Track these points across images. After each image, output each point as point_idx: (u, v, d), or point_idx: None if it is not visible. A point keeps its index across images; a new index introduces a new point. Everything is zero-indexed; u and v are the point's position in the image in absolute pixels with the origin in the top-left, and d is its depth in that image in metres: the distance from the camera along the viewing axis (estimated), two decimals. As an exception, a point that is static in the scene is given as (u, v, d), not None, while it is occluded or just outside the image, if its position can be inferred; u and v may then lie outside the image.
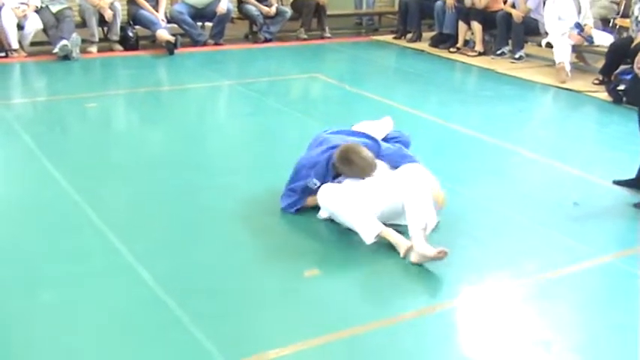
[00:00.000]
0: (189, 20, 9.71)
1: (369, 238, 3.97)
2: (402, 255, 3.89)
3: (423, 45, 10.37)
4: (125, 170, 5.19)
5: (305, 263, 3.84)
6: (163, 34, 9.18)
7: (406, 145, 4.72)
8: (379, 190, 4.23)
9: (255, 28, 10.51)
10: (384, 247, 4.01)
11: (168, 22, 9.58)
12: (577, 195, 4.84)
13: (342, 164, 4.27)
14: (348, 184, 4.26)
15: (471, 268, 3.95)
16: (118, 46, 9.36)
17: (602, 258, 4.11)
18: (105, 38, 9.40)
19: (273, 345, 3.11)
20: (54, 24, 8.65)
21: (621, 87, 7.22)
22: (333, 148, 4.36)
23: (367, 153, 4.29)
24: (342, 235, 4.13)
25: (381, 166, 4.37)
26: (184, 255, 3.92)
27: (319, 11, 10.82)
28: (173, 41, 9.13)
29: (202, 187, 4.86)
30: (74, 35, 8.62)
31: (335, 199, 4.14)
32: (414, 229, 3.93)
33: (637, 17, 7.82)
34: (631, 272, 3.97)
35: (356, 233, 4.04)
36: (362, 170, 4.26)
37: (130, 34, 9.41)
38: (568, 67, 8.35)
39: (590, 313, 3.62)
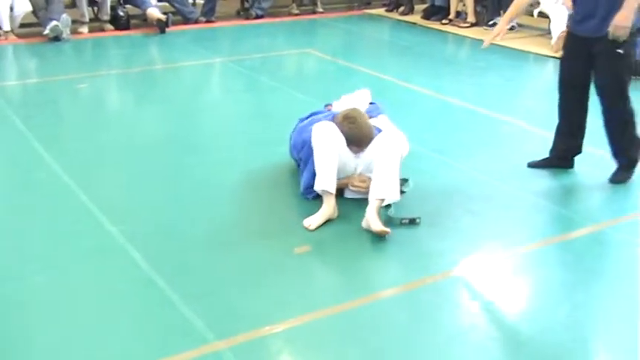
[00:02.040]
0: (180, -3, 9.64)
1: (317, 187, 4.05)
2: (307, 222, 3.95)
3: (416, 17, 10.30)
4: (117, 151, 5.18)
5: (296, 240, 3.84)
6: (154, 12, 9.10)
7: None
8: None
9: (246, 5, 10.43)
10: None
11: (159, 0, 9.50)
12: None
13: (346, 121, 4.18)
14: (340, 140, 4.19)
15: (464, 239, 3.96)
16: (109, 26, 9.27)
17: (594, 226, 4.12)
18: (95, 18, 9.30)
19: (264, 322, 3.12)
20: (43, 5, 8.56)
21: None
22: (333, 115, 4.36)
23: (371, 124, 4.26)
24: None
25: None
26: (175, 234, 3.92)
27: (311, -14, 10.75)
28: (164, 19, 9.05)
29: (194, 166, 4.85)
30: (64, 16, 8.54)
31: (322, 137, 4.10)
32: (372, 198, 3.96)
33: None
34: (623, 240, 3.98)
35: (343, 206, 4.07)
36: (362, 135, 4.18)
37: (121, 13, 9.31)
38: (555, 36, 8.28)
39: (582, 281, 3.62)
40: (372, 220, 3.88)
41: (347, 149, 4.20)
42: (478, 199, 4.40)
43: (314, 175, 4.14)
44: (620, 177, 4.63)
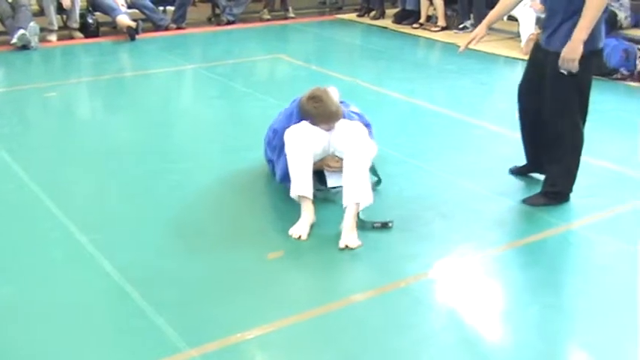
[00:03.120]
0: (150, 5, 9.59)
1: (292, 193, 4.02)
2: (296, 233, 3.91)
3: (387, 22, 10.33)
4: (87, 159, 5.13)
5: (269, 245, 3.83)
6: (124, 19, 9.05)
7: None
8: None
9: (217, 11, 10.41)
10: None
11: (129, 7, 9.45)
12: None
13: (312, 100, 4.13)
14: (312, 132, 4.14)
15: (436, 242, 3.97)
16: (78, 34, 9.21)
17: (564, 226, 4.15)
18: (64, 26, 9.23)
19: (237, 329, 3.10)
20: (10, 14, 8.47)
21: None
22: (294, 102, 4.36)
23: (336, 100, 4.22)
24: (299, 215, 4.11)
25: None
26: (147, 242, 3.88)
27: (282, -9, 10.75)
28: (134, 27, 9.01)
29: (167, 173, 4.82)
30: (32, 24, 8.47)
31: (295, 142, 4.07)
32: (348, 203, 3.95)
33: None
34: (592, 239, 4.00)
35: (317, 211, 4.05)
36: (328, 112, 4.12)
37: (90, 20, 9.25)
38: (524, 38, 8.34)
39: (553, 281, 3.64)
40: (348, 230, 3.87)
41: (320, 136, 4.14)
42: (450, 202, 4.41)
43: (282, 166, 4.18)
44: (535, 201, 4.37)
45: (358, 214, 4.00)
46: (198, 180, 4.70)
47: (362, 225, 4.00)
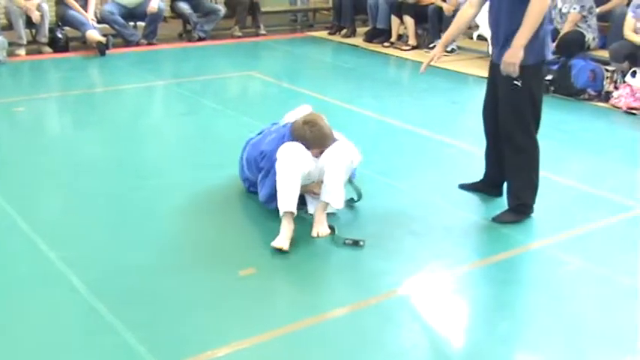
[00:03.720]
0: (121, 20, 9.55)
1: (281, 208, 4.03)
2: (278, 244, 3.92)
3: (358, 40, 10.40)
4: (56, 175, 5.10)
5: (241, 262, 3.82)
6: (94, 34, 9.01)
7: None
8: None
9: (188, 27, 10.40)
10: (318, 240, 4.05)
11: (99, 22, 9.41)
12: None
13: (307, 125, 4.20)
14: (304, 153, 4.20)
15: (407, 259, 3.99)
16: (47, 49, 9.15)
17: (531, 245, 4.19)
18: (33, 40, 9.19)
19: (207, 347, 3.08)
20: (-22, 28, 8.43)
21: (548, 77, 7.32)
22: (285, 125, 4.40)
23: (329, 125, 4.29)
24: (276, 232, 4.08)
25: None
26: (117, 259, 3.85)
27: (253, 8, 10.77)
28: (104, 42, 8.98)
29: (137, 189, 4.79)
30: (0, 38, 8.41)
31: (288, 159, 4.10)
32: (320, 200, 4.20)
33: (560, 9, 7.97)
34: (558, 257, 4.05)
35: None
36: (323, 136, 4.21)
37: (60, 35, 9.21)
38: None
39: (520, 300, 3.68)
40: (318, 221, 4.15)
41: (310, 161, 4.19)
42: (420, 220, 4.44)
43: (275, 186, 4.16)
44: (504, 218, 4.42)
45: (333, 229, 4.08)
46: (169, 197, 4.68)
47: (334, 240, 4.04)
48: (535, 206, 4.50)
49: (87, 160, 5.45)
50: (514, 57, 4.10)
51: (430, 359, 3.13)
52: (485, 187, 4.79)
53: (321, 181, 4.25)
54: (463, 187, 4.88)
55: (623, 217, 4.59)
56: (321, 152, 4.24)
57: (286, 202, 4.03)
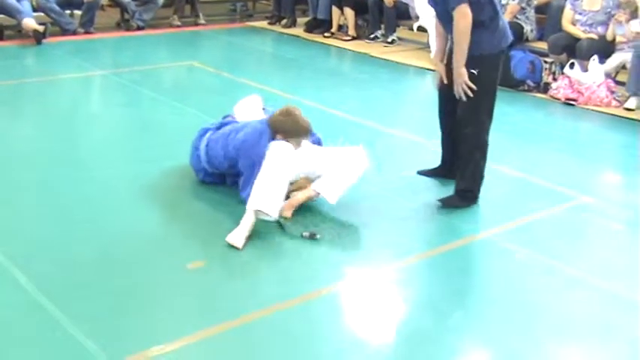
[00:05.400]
0: (57, 8, 9.31)
1: (252, 206, 3.98)
2: (235, 241, 3.89)
3: (298, 30, 10.36)
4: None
5: (188, 255, 3.78)
6: (30, 22, 8.78)
7: None
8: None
9: (127, 16, 10.23)
10: (269, 233, 4.04)
11: (35, 10, 9.17)
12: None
13: (281, 115, 4.27)
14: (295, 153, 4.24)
15: (356, 251, 4.02)
16: (-19, 37, 8.92)
17: (477, 235, 4.25)
18: (-34, 29, 8.93)
19: (157, 341, 3.05)
20: None
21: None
22: (260, 120, 4.41)
23: (305, 117, 4.36)
24: (225, 224, 4.08)
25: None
26: (61, 253, 3.78)
27: (191, -3, 10.65)
28: (41, 30, 8.75)
29: (79, 182, 4.69)
30: None
31: (278, 160, 4.10)
32: (311, 188, 4.32)
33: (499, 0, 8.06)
34: (506, 247, 4.11)
35: (239, 219, 4.02)
36: (302, 127, 4.29)
37: (-6, 23, 8.98)
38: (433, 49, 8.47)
39: (468, 290, 3.72)
40: (291, 201, 4.21)
41: (297, 163, 4.26)
42: (368, 211, 4.45)
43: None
44: (449, 201, 4.54)
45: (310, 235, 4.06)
46: (112, 189, 4.61)
47: (289, 231, 4.06)
48: (480, 196, 4.58)
49: (23, 152, 5.32)
50: (460, 76, 4.30)
51: (378, 350, 3.15)
52: (443, 172, 4.89)
53: (307, 177, 4.37)
54: (422, 173, 4.97)
55: (566, 206, 4.69)
56: (300, 143, 4.28)
57: (266, 203, 3.98)
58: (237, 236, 3.89)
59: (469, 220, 4.39)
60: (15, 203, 4.42)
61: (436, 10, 4.50)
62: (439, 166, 4.94)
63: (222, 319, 3.27)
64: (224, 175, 4.59)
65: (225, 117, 4.73)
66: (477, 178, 4.56)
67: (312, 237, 4.01)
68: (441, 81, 4.64)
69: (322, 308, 3.43)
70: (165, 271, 3.65)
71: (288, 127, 4.26)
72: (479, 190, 4.58)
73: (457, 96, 4.36)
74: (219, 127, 4.59)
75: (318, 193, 4.30)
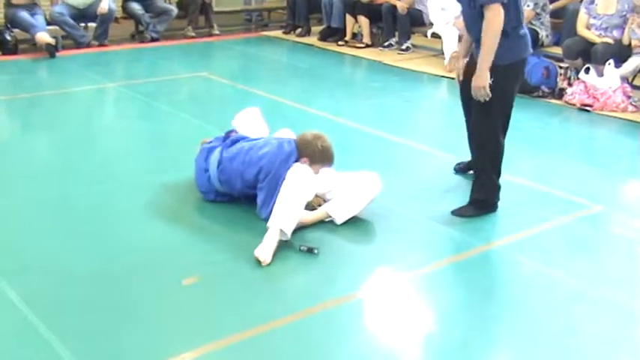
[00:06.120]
0: (71, 21, 9.35)
1: (276, 225, 3.92)
2: (264, 258, 3.83)
3: (313, 39, 10.33)
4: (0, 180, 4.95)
5: (183, 271, 3.72)
6: (43, 36, 8.82)
7: None
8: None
9: (141, 28, 10.25)
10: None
11: (49, 23, 9.21)
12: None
13: (318, 139, 4.28)
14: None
15: (360, 263, 3.92)
16: (-5, 51, 8.96)
17: (484, 246, 4.15)
18: (-19, 43, 8.97)
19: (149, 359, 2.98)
20: None
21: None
22: (288, 140, 4.38)
23: (331, 148, 4.36)
24: (222, 239, 4.05)
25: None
26: (55, 269, 3.73)
27: (205, 8, 10.63)
28: (54, 44, 8.79)
29: (81, 196, 4.66)
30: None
31: (301, 182, 4.06)
32: (326, 207, 4.32)
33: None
34: (511, 259, 4.02)
35: (238, 234, 3.99)
36: (328, 156, 4.31)
37: (8, 37, 8.99)
38: (447, 56, 8.38)
39: (474, 303, 3.62)
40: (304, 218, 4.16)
41: (315, 186, 4.22)
42: (373, 222, 4.37)
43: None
44: (461, 211, 4.50)
45: (308, 249, 3.98)
46: (115, 203, 4.57)
47: (289, 246, 3.98)
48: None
49: (34, 165, 5.32)
50: (481, 81, 4.18)
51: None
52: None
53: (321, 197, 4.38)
54: (458, 168, 5.12)
55: (577, 215, 4.58)
56: (319, 171, 4.28)
57: (287, 223, 3.95)
58: (265, 251, 3.82)
59: (475, 231, 4.30)
60: (15, 216, 4.39)
61: (462, 11, 4.45)
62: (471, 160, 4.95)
63: (216, 336, 3.19)
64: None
65: (228, 132, 4.66)
66: (490, 187, 4.50)
67: (309, 251, 3.94)
68: (462, 78, 4.62)
69: (322, 324, 3.35)
70: (159, 286, 3.59)
71: (316, 153, 4.25)
72: (496, 199, 4.53)
73: (475, 97, 4.26)
74: (230, 145, 4.50)
75: (329, 215, 4.28)
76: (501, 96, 4.28)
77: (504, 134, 4.49)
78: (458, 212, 4.48)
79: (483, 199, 4.50)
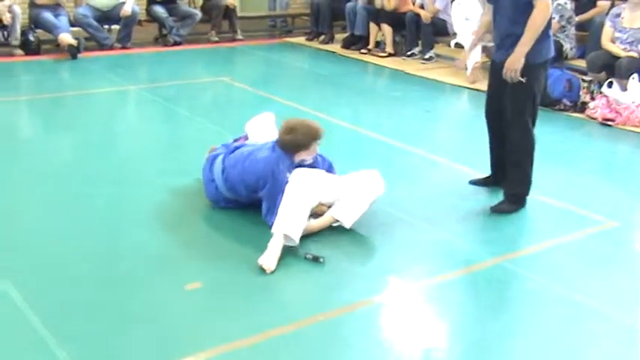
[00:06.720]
0: (94, 23, 9.42)
1: (279, 230, 3.88)
2: (268, 266, 3.78)
3: (336, 47, 10.31)
4: (15, 181, 4.96)
5: (187, 276, 3.68)
6: (66, 37, 8.88)
7: None
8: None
9: (164, 31, 10.28)
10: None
11: (72, 25, 9.27)
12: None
13: (290, 132, 4.21)
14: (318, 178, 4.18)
15: (368, 274, 3.87)
16: (19, 51, 9.02)
17: (492, 260, 4.06)
18: (5, 43, 9.04)
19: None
20: (-52, 29, 8.28)
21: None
22: (272, 145, 4.31)
23: (306, 122, 4.30)
24: (227, 246, 4.03)
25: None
26: (59, 270, 3.72)
27: (229, 13, 10.65)
28: (76, 45, 8.84)
29: (94, 197, 4.65)
30: (-29, 40, 8.28)
31: (303, 187, 4.03)
32: (332, 212, 4.23)
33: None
34: (519, 274, 3.93)
35: (243, 241, 3.96)
36: (313, 131, 4.24)
37: (32, 38, 9.08)
38: (470, 67, 8.30)
39: (478, 319, 3.54)
40: (312, 226, 4.11)
41: (319, 190, 4.14)
42: (383, 232, 4.31)
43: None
44: (501, 207, 4.63)
45: (314, 258, 3.92)
46: (125, 206, 4.56)
47: (295, 253, 3.93)
48: (503, 220, 4.54)
49: (52, 164, 5.34)
50: (516, 63, 4.36)
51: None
52: (493, 181, 4.97)
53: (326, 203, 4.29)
54: (473, 182, 5.07)
55: (591, 231, 4.48)
56: (313, 149, 4.27)
57: (291, 227, 3.90)
58: (269, 259, 3.78)
59: (486, 244, 4.22)
60: (23, 217, 4.40)
61: (496, 6, 4.53)
62: (489, 175, 5.01)
63: (218, 342, 3.15)
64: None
65: (236, 139, 4.63)
66: (526, 181, 4.66)
67: (315, 260, 3.89)
68: (490, 80, 4.80)
69: (327, 332, 3.29)
70: (161, 290, 3.56)
71: (300, 140, 4.21)
72: (528, 193, 4.69)
73: (504, 77, 4.41)
74: (232, 152, 4.46)
75: (336, 220, 4.21)
76: (533, 94, 4.49)
77: (534, 126, 4.63)
78: (497, 208, 4.62)
79: (520, 193, 4.66)
